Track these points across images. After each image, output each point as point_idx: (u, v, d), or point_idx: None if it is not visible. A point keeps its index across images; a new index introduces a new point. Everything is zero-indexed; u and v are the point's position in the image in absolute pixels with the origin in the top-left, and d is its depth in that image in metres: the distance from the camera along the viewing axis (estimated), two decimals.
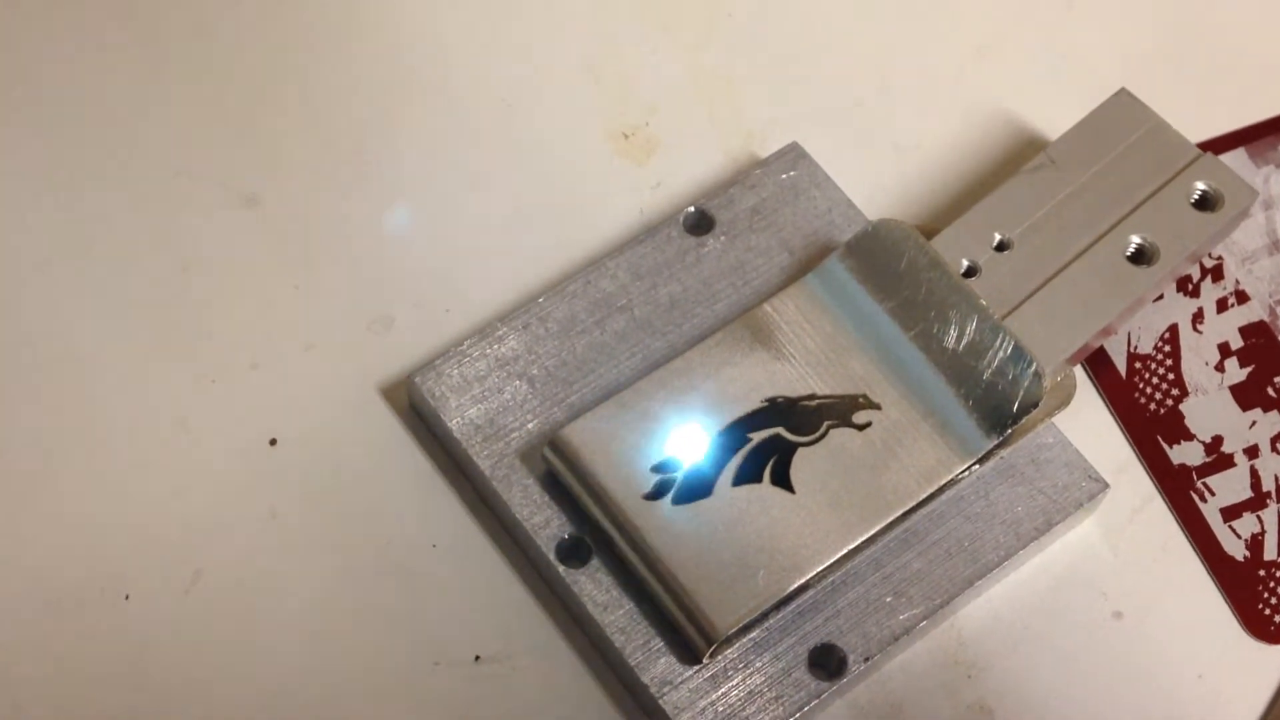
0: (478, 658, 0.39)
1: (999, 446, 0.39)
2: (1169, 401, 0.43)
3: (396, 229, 0.43)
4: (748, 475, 0.39)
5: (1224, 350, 0.43)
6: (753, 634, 0.38)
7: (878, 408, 0.40)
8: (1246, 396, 0.43)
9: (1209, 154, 0.43)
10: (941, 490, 0.39)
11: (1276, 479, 0.42)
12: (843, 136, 0.46)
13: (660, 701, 0.38)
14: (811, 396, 0.40)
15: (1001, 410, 0.39)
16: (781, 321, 0.41)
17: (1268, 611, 0.41)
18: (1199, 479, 0.42)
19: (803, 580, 0.38)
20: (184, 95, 0.45)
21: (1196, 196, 0.42)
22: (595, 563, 0.39)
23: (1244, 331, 0.44)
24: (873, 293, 0.40)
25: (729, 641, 0.38)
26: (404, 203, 0.43)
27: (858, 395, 0.40)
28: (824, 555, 0.38)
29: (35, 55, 0.45)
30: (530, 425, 0.40)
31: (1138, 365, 0.43)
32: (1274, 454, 0.42)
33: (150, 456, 0.40)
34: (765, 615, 0.38)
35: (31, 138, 0.44)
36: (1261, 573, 0.41)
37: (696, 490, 0.38)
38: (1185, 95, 0.46)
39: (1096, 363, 0.43)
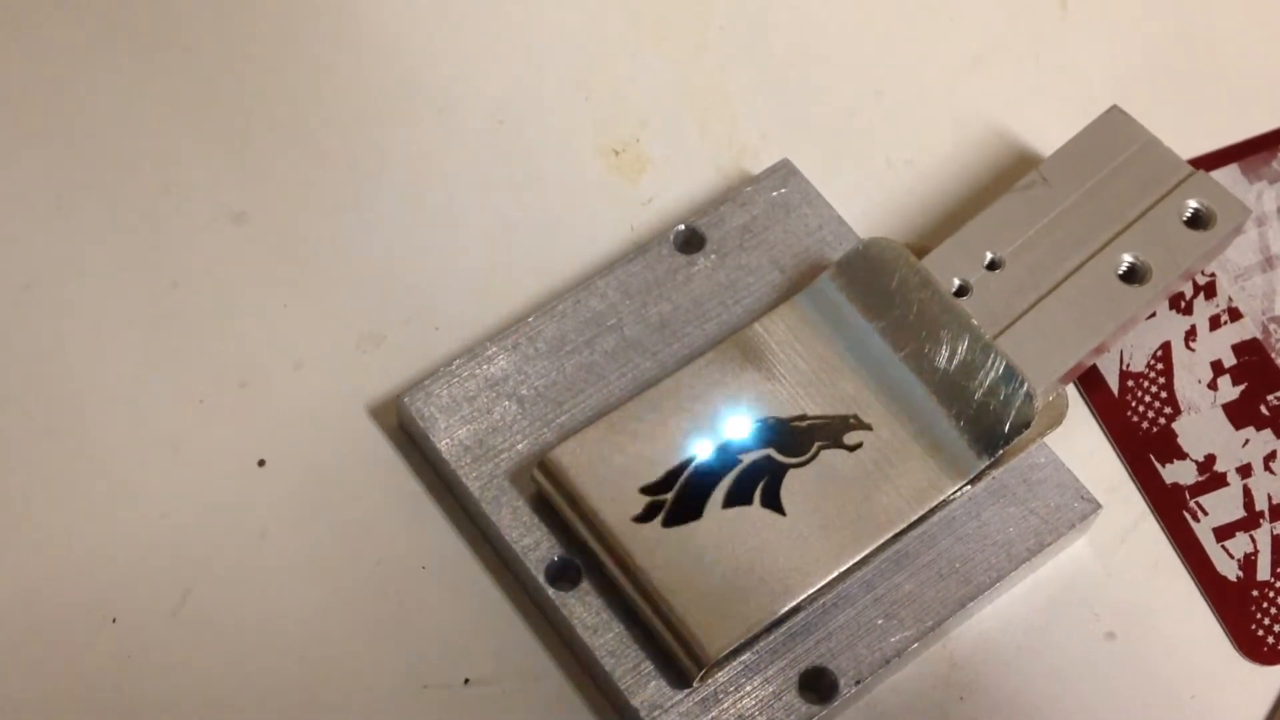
0: (467, 680, 0.39)
1: (991, 467, 0.39)
2: (1161, 420, 0.43)
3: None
4: (738, 497, 0.39)
5: (1217, 368, 0.43)
6: (743, 657, 0.38)
7: (869, 428, 0.40)
8: (1239, 415, 0.43)
9: (1201, 171, 0.43)
10: (933, 511, 0.39)
11: (1269, 498, 0.42)
12: (835, 152, 0.45)
13: None
14: (802, 417, 0.40)
15: (993, 430, 0.39)
16: (772, 341, 0.40)
17: (1260, 632, 0.40)
18: (1191, 498, 0.42)
19: (794, 603, 0.38)
20: (171, 110, 0.44)
21: (1189, 214, 0.42)
22: (585, 585, 0.38)
23: (1237, 349, 0.43)
24: (863, 312, 0.40)
25: (719, 665, 0.38)
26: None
27: (849, 416, 0.40)
28: (815, 578, 0.38)
29: (20, 72, 0.45)
30: (520, 446, 0.40)
31: (1130, 384, 0.43)
32: (1267, 473, 0.42)
33: (137, 476, 0.40)
34: (756, 638, 0.38)
35: (17, 154, 0.44)
36: (1254, 593, 0.41)
37: (686, 512, 0.38)
38: (1177, 111, 0.46)
39: (1089, 381, 0.43)
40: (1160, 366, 0.43)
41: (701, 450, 0.39)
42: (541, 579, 0.38)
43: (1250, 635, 0.40)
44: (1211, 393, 0.43)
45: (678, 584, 0.38)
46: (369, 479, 0.40)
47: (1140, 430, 0.42)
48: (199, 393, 0.41)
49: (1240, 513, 0.42)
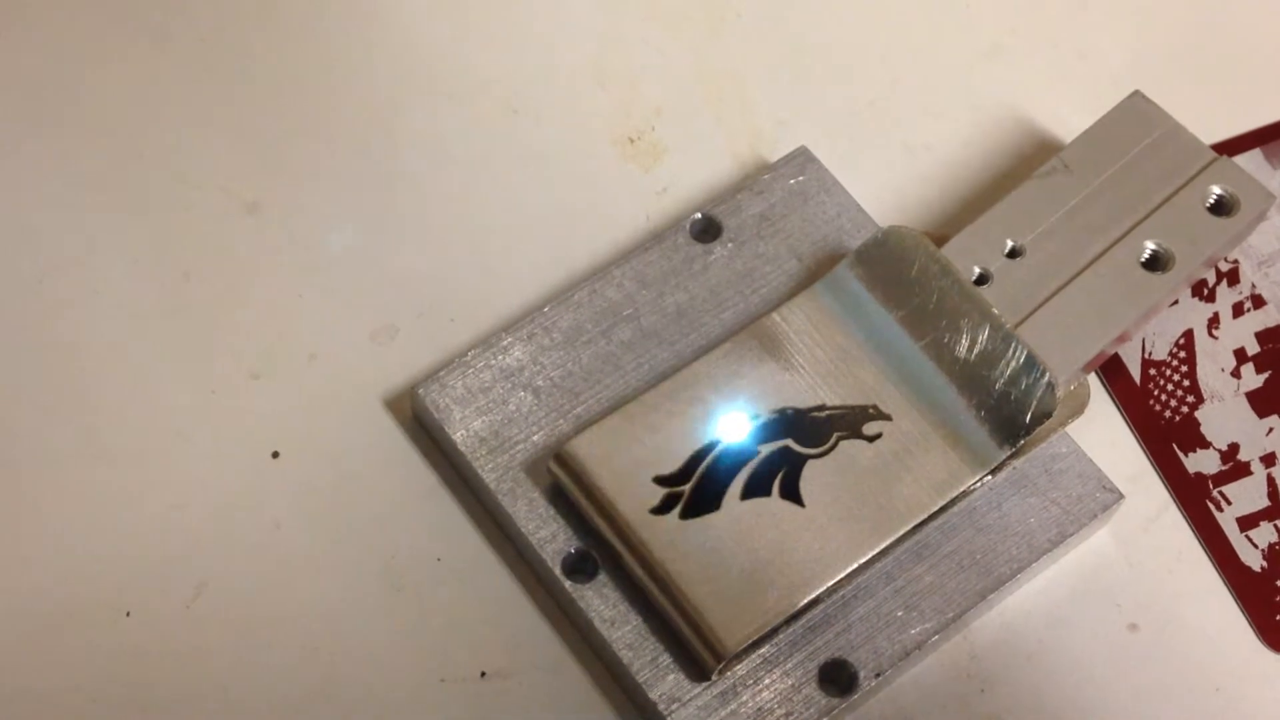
0: (483, 674, 0.38)
1: (1012, 457, 0.39)
2: (1184, 409, 0.42)
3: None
4: (756, 488, 0.38)
5: (1240, 356, 0.43)
6: (762, 650, 0.38)
7: (888, 419, 0.39)
8: (1263, 403, 0.42)
9: (1224, 157, 0.42)
10: (954, 502, 0.39)
11: None
12: (852, 139, 0.45)
13: (669, 719, 0.37)
14: (821, 407, 0.39)
15: (1014, 420, 0.39)
16: (790, 331, 0.40)
17: None
18: (1215, 488, 0.41)
19: (813, 595, 0.37)
20: (184, 99, 0.44)
21: (1212, 201, 0.42)
22: (602, 577, 0.38)
23: (1260, 336, 0.43)
24: (883, 301, 0.40)
25: (738, 658, 0.37)
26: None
27: (868, 406, 0.39)
28: (834, 569, 0.38)
29: (34, 61, 0.44)
30: (535, 437, 0.39)
31: (1152, 372, 0.43)
32: None
33: (150, 469, 0.40)
34: (775, 631, 0.38)
35: (31, 144, 0.43)
36: (1279, 583, 0.40)
37: (704, 504, 0.38)
38: (1200, 96, 0.45)
39: (1110, 370, 0.42)
40: (1183, 354, 0.43)
41: (719, 441, 0.39)
42: (558, 571, 0.38)
43: (1275, 626, 0.40)
44: (1235, 381, 0.42)
45: (696, 576, 0.37)
46: (384, 471, 0.40)
47: (1163, 419, 0.42)
48: (212, 384, 0.41)
49: (1264, 502, 0.41)
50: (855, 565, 0.38)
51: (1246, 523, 0.41)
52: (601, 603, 0.38)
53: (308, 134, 0.44)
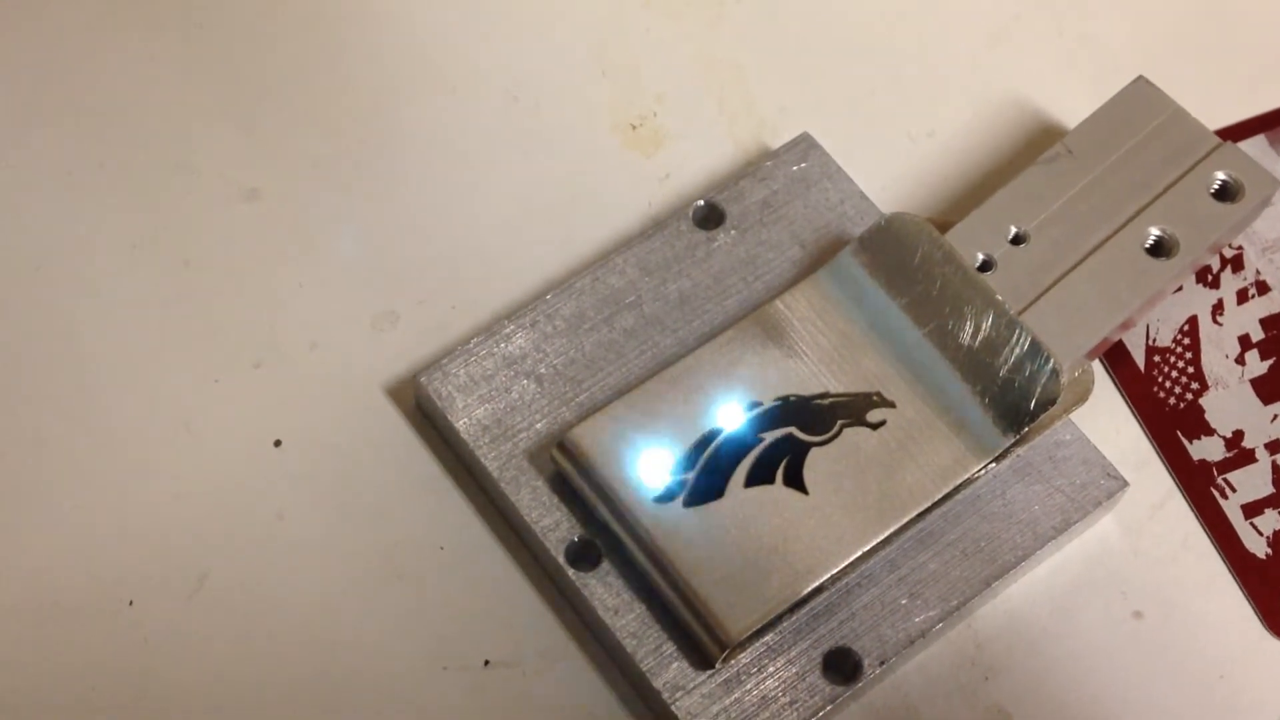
0: (487, 662, 0.38)
1: (1016, 444, 0.39)
2: (1189, 396, 0.42)
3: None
4: (760, 476, 0.38)
5: (1244, 342, 0.43)
6: (766, 638, 0.38)
7: (892, 406, 0.39)
8: (1268, 389, 0.42)
9: (1229, 143, 0.42)
10: (958, 490, 0.39)
11: None
12: (855, 125, 0.45)
13: (672, 707, 0.37)
14: (825, 395, 0.39)
15: (1018, 407, 0.38)
16: (793, 318, 0.40)
17: None
18: (1219, 475, 0.41)
19: (817, 583, 0.37)
20: (183, 87, 0.44)
21: (1217, 186, 0.42)
22: (606, 565, 0.38)
23: (1265, 323, 0.43)
24: (886, 288, 0.40)
25: (742, 646, 0.37)
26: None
27: (872, 393, 0.39)
28: (838, 557, 0.38)
29: (31, 49, 0.44)
30: (539, 425, 0.39)
31: (1156, 359, 0.42)
32: None
33: (152, 458, 0.40)
34: (779, 619, 0.37)
35: (29, 132, 0.43)
36: None
37: (708, 492, 0.38)
38: (1204, 81, 0.45)
39: (1115, 357, 0.42)
40: (1187, 341, 0.43)
41: (723, 429, 0.38)
42: (561, 560, 0.38)
43: None
44: (1239, 367, 0.42)
45: (699, 564, 0.37)
46: (386, 460, 0.40)
47: (1167, 406, 0.42)
48: (213, 373, 0.41)
49: (1269, 489, 0.41)
50: (859, 553, 0.38)
51: (1251, 510, 0.41)
52: (605, 591, 0.38)
53: (308, 121, 0.44)
